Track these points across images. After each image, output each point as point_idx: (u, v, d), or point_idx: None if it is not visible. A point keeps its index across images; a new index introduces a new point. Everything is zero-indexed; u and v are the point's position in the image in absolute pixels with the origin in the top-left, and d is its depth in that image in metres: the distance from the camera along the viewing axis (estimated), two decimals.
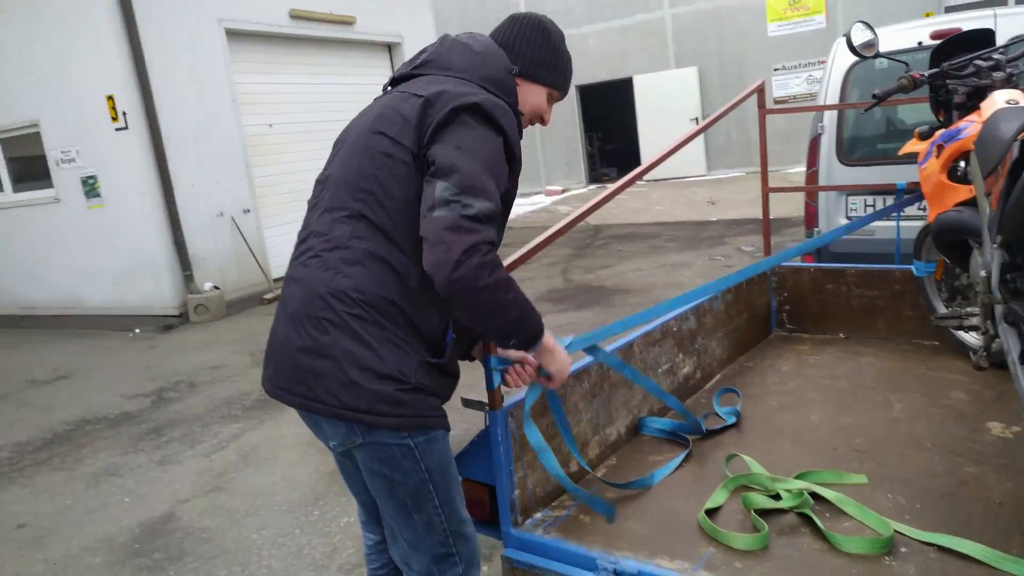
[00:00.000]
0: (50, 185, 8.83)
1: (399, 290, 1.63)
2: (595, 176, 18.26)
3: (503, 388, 1.99)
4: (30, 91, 8.54)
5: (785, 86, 15.04)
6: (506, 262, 1.83)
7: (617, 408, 2.50)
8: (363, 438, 1.66)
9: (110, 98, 8.08)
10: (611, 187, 2.28)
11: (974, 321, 2.38)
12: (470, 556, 1.82)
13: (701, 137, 16.04)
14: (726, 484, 2.12)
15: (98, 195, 8.50)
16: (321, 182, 1.79)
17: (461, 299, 1.53)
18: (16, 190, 9.30)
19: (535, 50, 1.86)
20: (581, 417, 2.33)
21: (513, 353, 1.97)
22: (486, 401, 1.98)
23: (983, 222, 2.16)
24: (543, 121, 1.96)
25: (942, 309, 2.97)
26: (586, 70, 17.09)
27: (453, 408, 1.81)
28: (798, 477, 2.11)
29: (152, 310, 8.33)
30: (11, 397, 6.07)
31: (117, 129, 8.13)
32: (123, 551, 3.36)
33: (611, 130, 18.53)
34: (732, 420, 2.55)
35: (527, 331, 1.66)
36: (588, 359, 2.40)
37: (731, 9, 15.49)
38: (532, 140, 17.88)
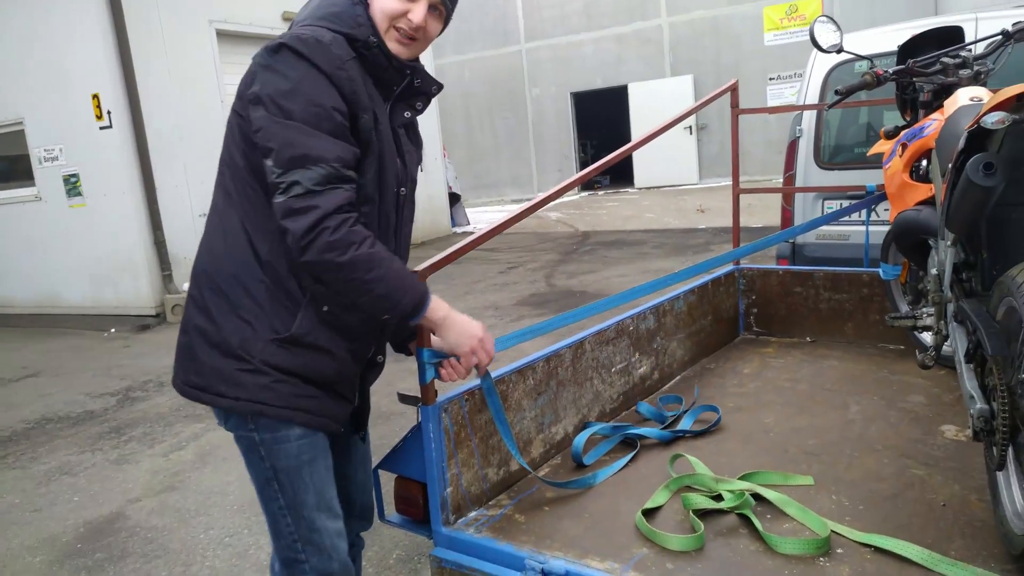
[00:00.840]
0: (32, 183, 8.76)
1: (252, 262, 1.53)
2: (588, 183, 18.22)
3: (437, 382, 1.92)
4: (16, 89, 8.49)
5: (779, 96, 15.04)
6: (420, 266, 1.71)
7: (565, 407, 2.42)
8: (224, 424, 1.61)
9: (95, 96, 8.02)
10: (539, 196, 2.19)
11: (928, 321, 2.31)
12: (323, 568, 1.69)
13: (694, 145, 16.03)
14: (668, 485, 2.04)
15: (80, 194, 8.43)
16: None
17: (320, 280, 1.47)
18: None
19: None
20: (524, 415, 2.25)
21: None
22: (419, 396, 1.90)
23: (940, 220, 2.10)
24: (412, 26, 1.53)
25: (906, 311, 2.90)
26: (581, 77, 17.09)
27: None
28: (743, 478, 2.03)
29: (129, 310, 8.25)
30: None
31: (101, 128, 8.08)
32: (65, 550, 3.26)
33: (606, 137, 18.52)
34: (668, 432, 2.44)
35: (400, 306, 1.53)
36: (535, 355, 2.33)
37: (728, 18, 15.51)
38: (525, 145, 17.86)
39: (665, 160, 15.63)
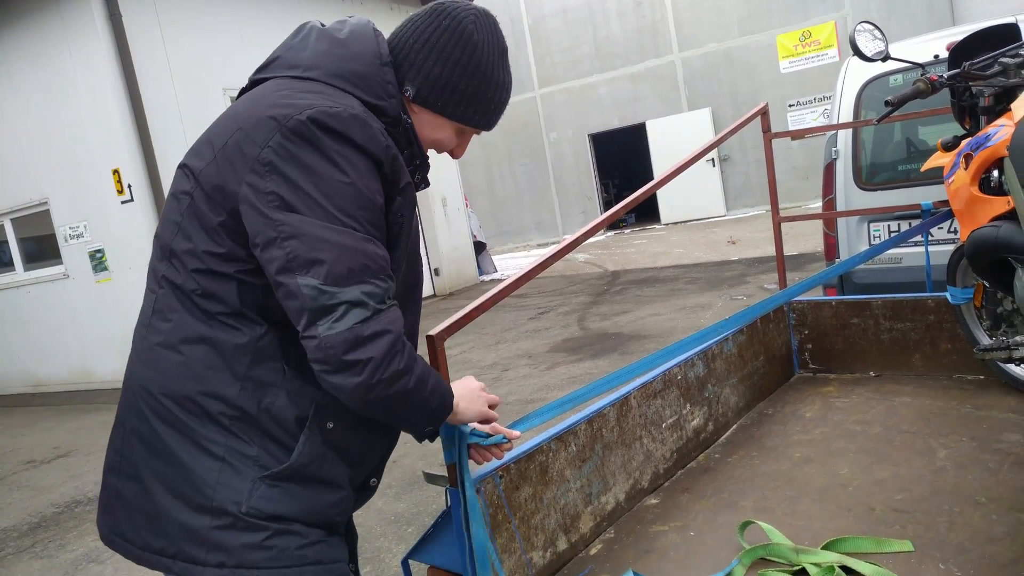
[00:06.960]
0: (59, 261, 8.81)
1: (224, 379, 1.20)
2: (614, 223, 18.05)
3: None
4: (40, 170, 8.61)
5: (801, 122, 14.84)
6: (439, 328, 1.49)
7: (614, 473, 2.18)
8: None
9: (116, 171, 8.07)
10: (566, 239, 1.98)
11: None
12: None
13: (718, 177, 15.82)
14: (741, 558, 1.78)
15: (105, 268, 8.44)
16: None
17: (381, 412, 1.20)
18: (27, 268, 9.32)
19: (445, 69, 1.27)
20: (569, 486, 2.01)
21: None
22: (447, 475, 1.68)
23: None
24: (452, 154, 1.43)
25: (985, 339, 2.62)
26: (598, 118, 17.05)
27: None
28: (827, 547, 1.76)
29: None
30: (7, 480, 5.86)
31: (123, 202, 8.11)
32: None
33: (628, 176, 18.41)
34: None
35: (444, 411, 1.30)
36: (576, 417, 2.10)
37: (742, 49, 15.42)
38: (547, 189, 17.78)
39: (690, 194, 15.42)
